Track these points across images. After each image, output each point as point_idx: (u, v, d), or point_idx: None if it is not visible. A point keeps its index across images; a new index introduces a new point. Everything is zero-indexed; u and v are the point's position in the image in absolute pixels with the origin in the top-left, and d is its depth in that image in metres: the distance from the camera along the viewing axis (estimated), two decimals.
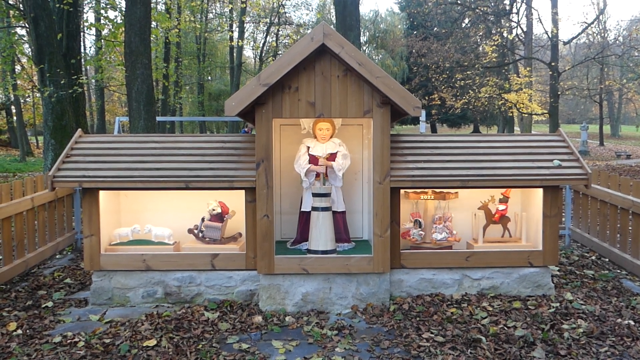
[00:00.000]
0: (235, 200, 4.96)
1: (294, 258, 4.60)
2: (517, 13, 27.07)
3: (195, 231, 4.97)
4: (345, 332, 4.12)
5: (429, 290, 4.82)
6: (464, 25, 28.07)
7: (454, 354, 3.73)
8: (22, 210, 5.63)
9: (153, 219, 5.11)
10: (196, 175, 4.59)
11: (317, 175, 4.86)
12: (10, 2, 13.80)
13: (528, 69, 27.33)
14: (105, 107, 31.00)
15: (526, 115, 27.26)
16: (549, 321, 4.23)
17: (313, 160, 4.88)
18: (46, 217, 6.23)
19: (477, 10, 25.38)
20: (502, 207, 5.09)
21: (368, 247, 4.93)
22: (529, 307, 4.56)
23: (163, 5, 23.13)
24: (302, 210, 5.00)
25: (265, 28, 34.53)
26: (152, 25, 12.83)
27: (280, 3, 29.27)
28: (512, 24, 27.15)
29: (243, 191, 4.66)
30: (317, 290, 4.62)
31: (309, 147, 4.94)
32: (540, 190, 4.81)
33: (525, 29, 26.83)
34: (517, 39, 27.45)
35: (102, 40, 16.37)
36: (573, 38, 26.39)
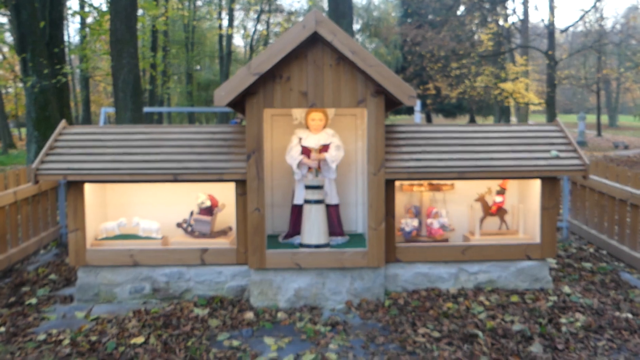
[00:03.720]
0: (226, 193, 4.93)
1: (286, 252, 4.58)
2: (513, 0, 27.09)
3: (184, 225, 4.94)
4: (339, 328, 4.12)
5: (425, 285, 4.83)
6: (459, 12, 28.02)
7: (450, 349, 3.73)
8: (4, 205, 5.57)
9: (141, 213, 5.07)
10: (185, 168, 4.55)
11: (310, 167, 4.84)
12: None
13: (524, 57, 27.37)
14: (91, 97, 30.72)
15: (523, 105, 27.33)
16: (547, 315, 4.25)
17: (305, 151, 4.86)
18: (29, 212, 6.18)
19: None
20: (499, 199, 5.10)
21: (362, 240, 4.92)
22: (527, 301, 4.57)
23: None
24: (294, 203, 4.98)
25: (255, 16, 34.33)
26: (139, 13, 12.71)
27: None
28: (508, 11, 27.16)
29: (233, 184, 4.64)
30: (310, 286, 4.61)
31: (301, 138, 4.91)
32: (538, 181, 4.82)
33: (521, 17, 26.85)
34: (513, 27, 27.46)
35: (87, 29, 16.21)
36: (570, 26, 26.44)
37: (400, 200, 5.12)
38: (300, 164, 4.83)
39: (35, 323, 4.28)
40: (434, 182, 5.01)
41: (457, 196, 5.20)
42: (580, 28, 32.31)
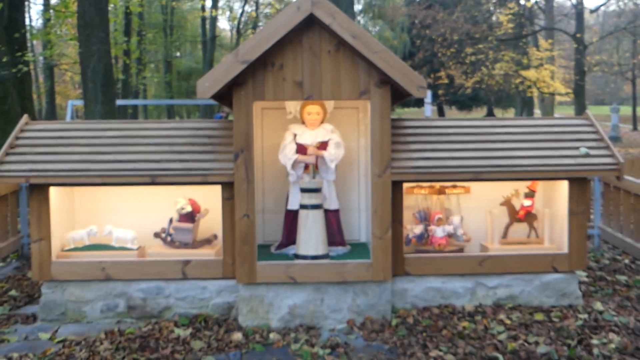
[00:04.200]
0: (211, 198, 4.93)
1: (279, 265, 4.59)
2: None
3: (163, 235, 4.94)
4: (340, 351, 4.13)
5: (438, 301, 4.83)
6: None
7: None
8: None
9: (114, 220, 5.07)
10: (164, 169, 4.56)
11: (306, 167, 4.84)
12: None
13: (549, 41, 27.42)
14: (56, 88, 30.69)
15: (548, 95, 27.39)
16: (576, 335, 4.26)
17: (301, 149, 4.86)
18: None
19: None
20: (527, 202, 5.10)
21: (366, 251, 4.93)
22: (553, 319, 4.58)
23: None
24: (288, 208, 4.99)
25: None
26: None
27: None
28: None
29: (219, 187, 4.64)
30: (307, 302, 4.62)
31: (296, 135, 4.92)
32: (565, 182, 4.83)
33: None
34: (536, 7, 27.52)
35: (51, 11, 16.20)
36: (601, 5, 26.52)
37: (410, 204, 5.12)
38: (295, 163, 4.83)
39: None
40: (438, 184, 5.02)
41: (475, 200, 5.21)
42: (612, 7, 32.42)
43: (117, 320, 4.73)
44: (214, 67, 4.40)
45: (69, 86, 35.62)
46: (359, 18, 35.69)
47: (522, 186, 5.12)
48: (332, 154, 4.83)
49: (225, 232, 4.66)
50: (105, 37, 9.27)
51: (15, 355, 4.09)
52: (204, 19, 31.30)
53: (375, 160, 4.54)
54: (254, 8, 34.18)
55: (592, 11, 27.22)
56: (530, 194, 5.11)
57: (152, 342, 4.24)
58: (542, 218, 5.13)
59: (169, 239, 4.92)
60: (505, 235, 5.11)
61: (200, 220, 4.99)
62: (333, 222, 4.95)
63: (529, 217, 5.13)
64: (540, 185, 5.22)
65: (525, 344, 4.13)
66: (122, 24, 24.42)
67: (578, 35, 24.12)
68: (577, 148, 4.80)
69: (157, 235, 4.96)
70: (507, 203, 5.10)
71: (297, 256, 4.69)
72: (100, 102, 9.10)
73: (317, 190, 4.67)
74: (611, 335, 4.23)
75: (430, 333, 4.36)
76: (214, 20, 30.85)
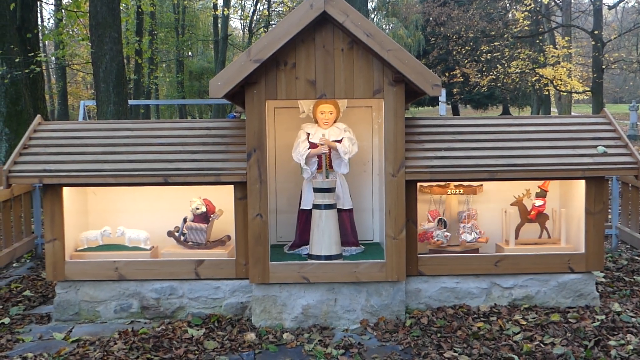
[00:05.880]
0: (223, 198, 4.97)
1: (292, 265, 4.61)
2: None
3: (177, 234, 4.98)
4: (354, 352, 4.14)
5: (452, 302, 4.84)
6: None
7: None
8: None
9: (126, 220, 5.12)
10: (176, 169, 4.59)
11: (319, 166, 4.85)
12: None
13: (567, 38, 27.23)
14: (68, 89, 30.95)
15: (565, 93, 27.20)
16: (593, 337, 4.24)
17: (314, 148, 4.87)
18: (0, 219, 6.24)
19: None
20: (539, 202, 5.09)
21: (380, 251, 4.94)
22: (570, 320, 4.57)
23: None
24: (301, 208, 5.01)
25: None
26: None
27: None
28: None
29: (232, 186, 4.67)
30: (320, 303, 4.64)
31: (309, 134, 4.94)
32: (583, 182, 4.81)
33: None
34: (553, 4, 27.34)
35: (63, 11, 16.33)
36: (620, 1, 26.29)
37: (423, 205, 5.13)
38: (308, 158, 4.83)
39: (9, 345, 4.33)
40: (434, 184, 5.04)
41: (490, 200, 5.20)
42: (632, 3, 32.11)
43: (130, 321, 4.77)
44: (227, 67, 4.43)
45: (81, 86, 35.91)
46: (372, 16, 35.64)
47: (534, 186, 5.10)
48: (346, 146, 4.84)
49: (238, 232, 4.69)
50: (118, 37, 9.36)
51: (30, 355, 4.14)
52: (215, 18, 31.39)
53: (389, 159, 4.55)
54: (266, 6, 34.23)
55: (610, 7, 27.00)
56: (541, 194, 5.09)
57: (166, 342, 4.28)
58: (558, 218, 5.11)
59: (182, 238, 4.96)
60: (516, 235, 5.09)
61: (214, 221, 5.03)
62: (346, 222, 4.96)
63: (541, 217, 5.11)
64: (557, 185, 5.21)
65: (541, 345, 4.13)
66: (134, 23, 24.60)
67: (596, 32, 23.94)
68: (595, 147, 4.78)
69: (170, 234, 5.00)
70: (518, 203, 5.09)
71: (310, 256, 4.71)
72: (113, 102, 9.19)
73: (330, 190, 4.68)
74: (629, 337, 4.22)
75: (445, 334, 4.36)
76: (226, 19, 30.93)
